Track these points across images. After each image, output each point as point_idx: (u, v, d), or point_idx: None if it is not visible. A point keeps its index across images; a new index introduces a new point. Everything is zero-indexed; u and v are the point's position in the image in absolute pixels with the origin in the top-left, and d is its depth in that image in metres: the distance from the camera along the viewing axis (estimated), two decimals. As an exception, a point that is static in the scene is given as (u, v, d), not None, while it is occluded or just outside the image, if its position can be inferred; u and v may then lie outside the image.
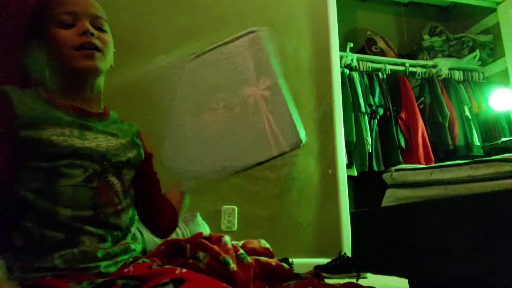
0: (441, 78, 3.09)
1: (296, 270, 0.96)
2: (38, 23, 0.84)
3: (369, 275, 1.75)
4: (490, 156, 0.86)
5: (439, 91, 2.99)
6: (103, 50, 0.84)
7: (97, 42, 0.82)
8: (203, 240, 0.81)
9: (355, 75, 2.81)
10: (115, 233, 0.80)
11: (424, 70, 3.07)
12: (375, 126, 2.79)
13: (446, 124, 2.88)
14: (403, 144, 2.80)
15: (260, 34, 0.79)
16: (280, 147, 0.74)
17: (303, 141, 0.74)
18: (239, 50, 0.81)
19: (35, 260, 0.70)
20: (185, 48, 2.14)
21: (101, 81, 0.90)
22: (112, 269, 0.73)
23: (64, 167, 0.75)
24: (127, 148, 0.88)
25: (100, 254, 0.74)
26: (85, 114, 0.86)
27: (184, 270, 0.67)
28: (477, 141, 2.90)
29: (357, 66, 2.86)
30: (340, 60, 2.60)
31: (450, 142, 2.85)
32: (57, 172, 0.74)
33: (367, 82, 2.85)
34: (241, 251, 0.83)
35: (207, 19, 2.21)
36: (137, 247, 0.84)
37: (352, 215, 1.25)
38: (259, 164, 0.85)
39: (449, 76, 3.11)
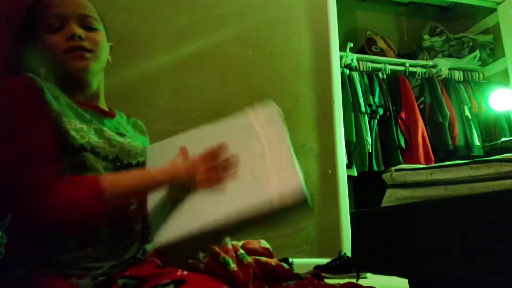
0: (441, 78, 3.09)
1: (296, 270, 0.96)
2: (31, 27, 0.83)
3: (369, 275, 1.75)
4: (490, 156, 0.86)
5: (439, 91, 2.99)
6: (94, 50, 0.83)
7: (86, 44, 0.81)
8: (203, 241, 0.81)
9: (355, 75, 2.81)
10: (125, 234, 0.79)
11: (424, 70, 3.07)
12: (375, 126, 2.79)
13: (446, 124, 2.88)
14: (403, 144, 2.80)
15: (273, 110, 0.75)
16: (281, 198, 0.64)
17: (308, 201, 0.64)
18: (250, 124, 0.77)
19: (44, 258, 0.68)
20: (184, 47, 2.15)
21: (99, 80, 0.89)
22: (115, 270, 0.73)
23: (89, 160, 0.75)
24: (138, 150, 0.88)
25: (107, 253, 0.73)
26: (99, 112, 0.86)
27: (185, 272, 0.67)
28: (477, 141, 2.90)
29: (357, 66, 2.86)
30: (340, 60, 2.59)
31: (450, 142, 2.84)
32: (83, 164, 0.74)
33: (367, 82, 2.85)
34: (241, 251, 0.83)
35: (206, 19, 2.21)
36: (139, 247, 0.84)
37: (352, 215, 1.25)
38: (256, 221, 0.69)
39: (449, 76, 3.11)
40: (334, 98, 2.34)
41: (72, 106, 0.79)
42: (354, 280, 1.00)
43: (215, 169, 0.76)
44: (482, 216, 0.72)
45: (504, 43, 2.94)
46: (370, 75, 2.90)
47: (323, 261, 1.93)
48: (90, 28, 0.84)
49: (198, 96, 2.11)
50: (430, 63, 3.10)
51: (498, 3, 3.01)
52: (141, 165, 0.90)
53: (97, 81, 0.88)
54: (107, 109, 0.91)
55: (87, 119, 0.80)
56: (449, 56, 3.22)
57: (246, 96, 2.19)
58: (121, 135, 0.87)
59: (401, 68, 3.04)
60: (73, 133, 0.74)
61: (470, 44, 3.23)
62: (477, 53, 3.18)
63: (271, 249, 0.96)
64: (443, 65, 3.05)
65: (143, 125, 1.02)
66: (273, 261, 0.87)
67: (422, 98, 3.01)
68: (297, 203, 0.64)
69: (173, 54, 2.12)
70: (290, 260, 1.73)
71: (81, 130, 0.76)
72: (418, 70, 3.06)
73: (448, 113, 2.89)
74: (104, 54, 0.88)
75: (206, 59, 2.17)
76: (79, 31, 0.81)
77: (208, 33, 2.20)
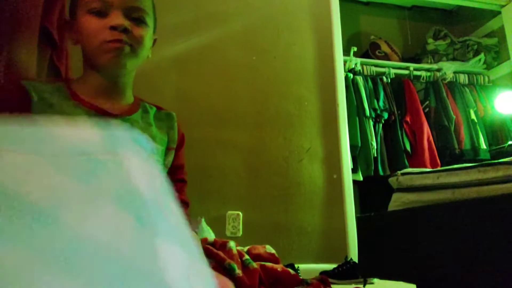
0: (446, 81, 3.08)
1: (302, 276, 0.95)
2: (73, 3, 0.77)
3: (376, 280, 1.73)
4: (497, 160, 0.85)
5: (444, 94, 2.97)
6: (135, 47, 0.76)
7: (128, 39, 0.74)
8: (208, 246, 0.80)
9: (359, 79, 2.80)
10: None
11: (428, 73, 3.06)
12: (380, 130, 2.77)
13: (452, 128, 2.86)
14: (408, 148, 2.78)
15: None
16: None
17: None
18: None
19: None
20: (188, 52, 2.16)
21: (129, 79, 0.83)
22: None
23: None
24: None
25: None
26: (106, 115, 0.79)
27: None
28: (483, 145, 2.88)
29: (361, 70, 2.86)
30: (344, 64, 2.59)
31: (456, 146, 2.82)
32: None
33: (371, 86, 2.84)
34: (246, 256, 0.82)
35: (210, 24, 2.23)
36: None
37: (358, 220, 1.24)
38: None
39: (454, 80, 3.09)
40: (338, 102, 2.34)
41: (73, 110, 0.74)
42: (361, 286, 0.99)
43: None
44: (491, 219, 0.70)
45: (509, 46, 2.93)
46: (374, 79, 2.90)
47: (329, 266, 1.91)
48: (137, 21, 0.77)
49: (202, 101, 2.11)
50: (435, 66, 3.09)
51: (502, 6, 3.00)
52: None
53: (126, 80, 0.82)
54: (127, 107, 0.83)
55: None
56: (454, 59, 3.21)
57: (250, 100, 2.19)
58: None
59: (406, 72, 3.03)
60: None
61: (475, 47, 3.21)
62: (481, 56, 3.16)
63: (276, 255, 0.95)
64: (448, 69, 3.04)
65: (173, 119, 0.92)
66: (278, 267, 0.86)
67: (427, 102, 3.00)
68: None
69: (177, 58, 2.13)
70: (296, 265, 1.72)
71: None
72: (423, 73, 3.05)
73: (454, 116, 2.87)
74: (145, 51, 0.81)
75: (210, 63, 2.18)
76: (126, 23, 0.73)
77: (212, 38, 2.21)
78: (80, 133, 0.28)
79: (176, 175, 0.87)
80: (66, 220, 0.23)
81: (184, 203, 0.86)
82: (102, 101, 0.79)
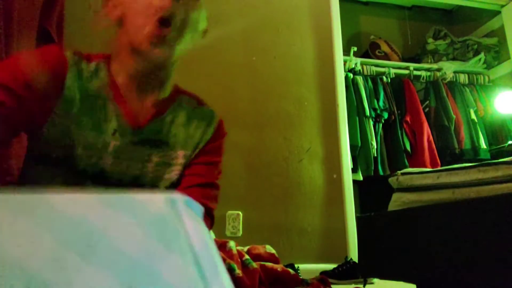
0: (446, 81, 3.08)
1: (302, 276, 0.95)
2: None
3: (376, 280, 1.73)
4: (497, 159, 0.84)
5: (444, 94, 2.97)
6: (182, 25, 0.67)
7: (176, 8, 0.65)
8: (208, 246, 0.80)
9: (359, 79, 2.80)
10: None
11: (428, 73, 3.06)
12: (380, 130, 2.77)
13: (452, 128, 2.86)
14: (408, 148, 2.78)
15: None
16: None
17: None
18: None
19: None
20: (187, 52, 2.16)
21: (172, 70, 0.76)
22: None
23: (91, 183, 0.67)
24: (177, 162, 0.75)
25: None
26: (132, 123, 0.72)
27: None
28: (483, 144, 2.88)
29: (361, 70, 2.86)
30: (344, 64, 2.59)
31: (456, 146, 2.82)
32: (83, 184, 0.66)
33: (371, 86, 2.84)
34: (246, 256, 0.82)
35: (209, 23, 2.22)
36: None
37: (358, 219, 1.24)
38: None
39: (454, 79, 3.09)
40: (338, 102, 2.34)
41: (105, 104, 0.68)
42: (361, 286, 0.99)
43: None
44: (491, 219, 0.70)
45: (509, 45, 2.93)
46: (374, 79, 2.90)
47: (329, 266, 1.91)
48: None
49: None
50: (435, 66, 3.09)
51: (503, 6, 3.00)
52: (174, 179, 0.77)
53: (171, 69, 0.75)
54: (159, 101, 0.75)
55: (109, 132, 0.68)
56: (454, 59, 3.21)
57: (250, 100, 2.19)
58: (158, 144, 0.73)
59: (406, 71, 3.03)
60: (80, 152, 0.65)
61: (475, 47, 3.21)
62: (482, 56, 3.16)
63: (276, 255, 0.95)
64: (448, 68, 3.04)
65: (213, 118, 0.84)
66: (279, 267, 0.86)
67: (427, 102, 3.00)
68: None
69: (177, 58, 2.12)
70: (296, 265, 1.72)
71: (91, 147, 0.66)
72: (423, 73, 3.05)
73: (454, 116, 2.87)
74: (196, 34, 0.72)
75: (210, 63, 2.18)
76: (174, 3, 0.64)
77: (212, 38, 2.21)
78: (152, 198, 0.35)
79: (191, 170, 0.80)
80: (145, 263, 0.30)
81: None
82: (135, 93, 0.71)
